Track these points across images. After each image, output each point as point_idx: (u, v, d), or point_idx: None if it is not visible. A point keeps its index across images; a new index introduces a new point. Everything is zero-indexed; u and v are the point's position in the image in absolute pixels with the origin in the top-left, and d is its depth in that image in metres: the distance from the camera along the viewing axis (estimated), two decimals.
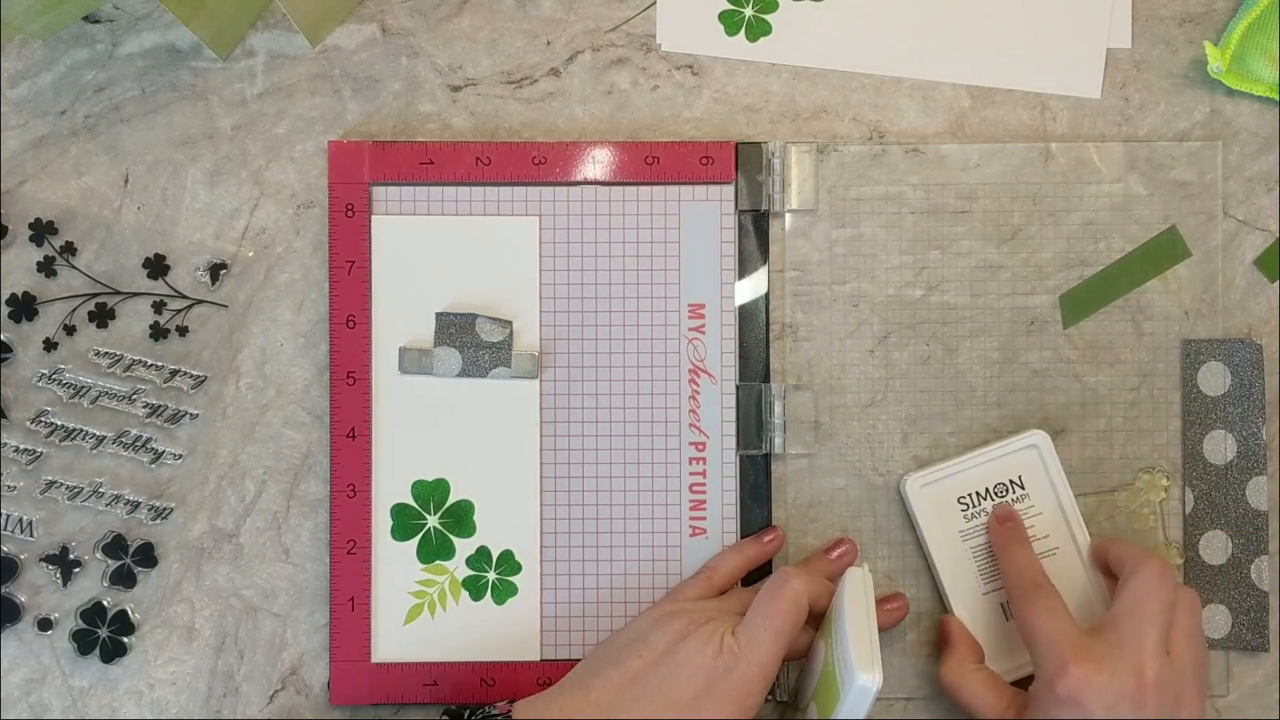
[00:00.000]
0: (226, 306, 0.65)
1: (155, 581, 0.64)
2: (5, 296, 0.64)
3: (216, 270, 0.64)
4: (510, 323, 0.64)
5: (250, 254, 0.65)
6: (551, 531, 0.64)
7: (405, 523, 0.63)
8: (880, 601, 0.62)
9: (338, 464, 0.63)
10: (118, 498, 0.64)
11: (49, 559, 0.63)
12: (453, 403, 0.64)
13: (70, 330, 0.64)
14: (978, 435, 0.64)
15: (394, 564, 0.63)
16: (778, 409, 0.64)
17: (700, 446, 0.64)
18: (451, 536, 0.64)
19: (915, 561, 0.64)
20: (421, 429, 0.64)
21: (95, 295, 0.64)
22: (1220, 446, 0.64)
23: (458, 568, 0.64)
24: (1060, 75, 0.66)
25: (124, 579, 0.64)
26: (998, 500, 0.63)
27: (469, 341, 0.63)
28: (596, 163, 0.64)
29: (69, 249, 0.64)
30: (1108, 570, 0.61)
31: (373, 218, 0.64)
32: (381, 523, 0.63)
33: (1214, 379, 0.64)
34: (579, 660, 0.61)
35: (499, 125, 0.65)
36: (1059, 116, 0.66)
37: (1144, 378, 0.65)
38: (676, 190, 0.64)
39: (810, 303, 0.65)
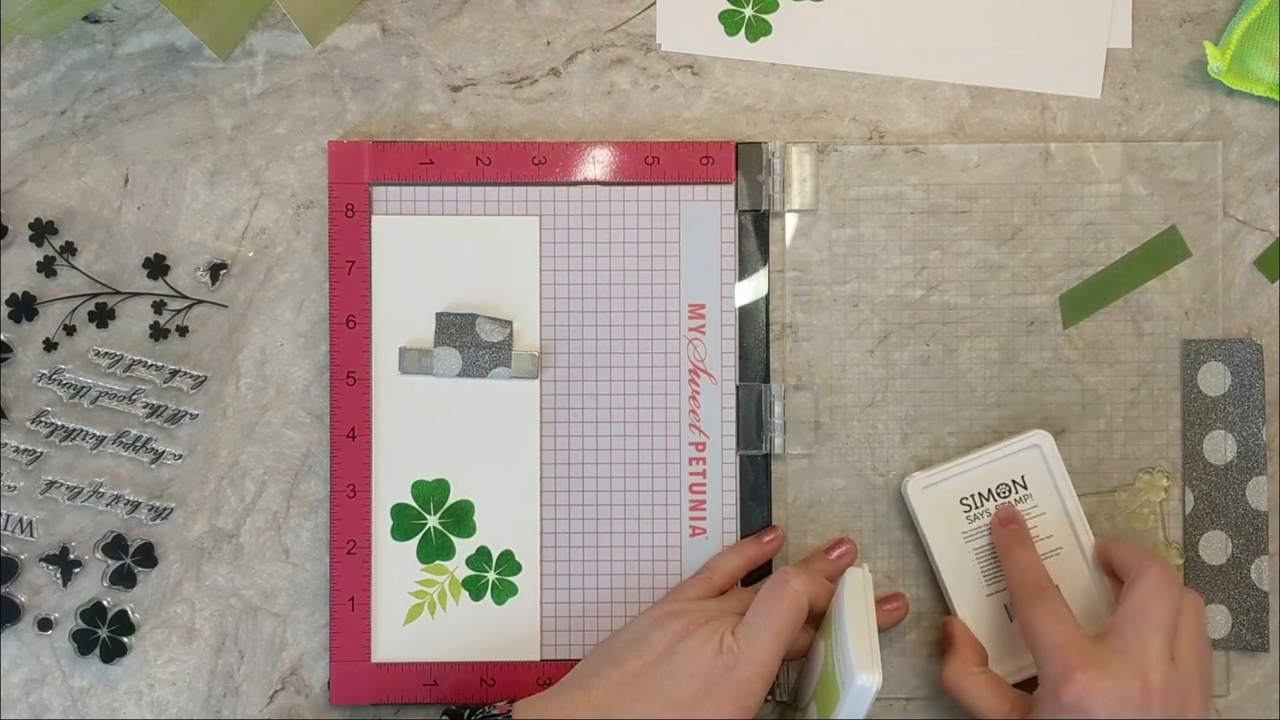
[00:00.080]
0: (226, 306, 0.65)
1: (155, 581, 0.64)
2: (5, 296, 0.64)
3: (216, 270, 0.64)
4: (510, 323, 0.64)
5: (250, 254, 0.65)
6: (551, 531, 0.64)
7: (405, 523, 0.63)
8: (880, 601, 0.62)
9: (338, 464, 0.63)
10: (118, 498, 0.64)
11: (49, 559, 0.63)
12: (453, 403, 0.64)
13: (70, 330, 0.64)
14: (978, 435, 0.64)
15: (394, 564, 0.63)
16: (778, 409, 0.64)
17: (700, 447, 0.64)
18: (451, 536, 0.64)
19: (915, 562, 0.64)
20: (421, 429, 0.64)
21: (95, 295, 0.64)
22: (1220, 447, 0.64)
23: (458, 568, 0.64)
24: (1060, 75, 0.66)
25: (124, 579, 0.64)
26: (1000, 501, 0.63)
27: (469, 341, 0.63)
28: (596, 163, 0.64)
29: (69, 249, 0.64)
30: (1111, 571, 0.61)
31: (373, 218, 0.64)
32: (381, 523, 0.63)
33: (1214, 379, 0.64)
34: (579, 660, 0.61)
35: (499, 125, 0.65)
36: (1059, 116, 0.66)
37: (1144, 378, 0.65)
38: (676, 190, 0.64)
39: (810, 303, 0.65)
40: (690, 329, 0.64)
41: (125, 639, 0.63)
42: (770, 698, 0.63)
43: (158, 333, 0.64)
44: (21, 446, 0.64)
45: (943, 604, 0.64)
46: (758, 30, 0.66)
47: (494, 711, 0.57)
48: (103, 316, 0.64)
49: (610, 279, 0.64)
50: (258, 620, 0.64)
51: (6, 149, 0.65)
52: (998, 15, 0.66)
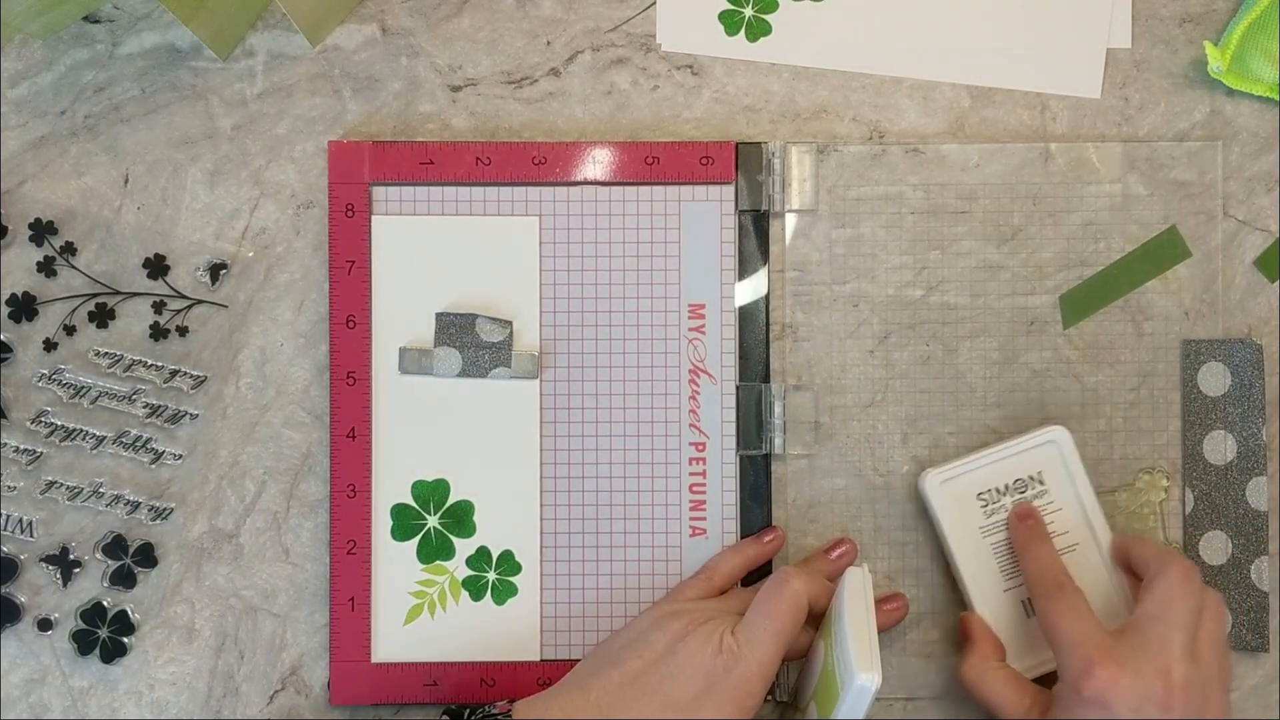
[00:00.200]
0: (226, 306, 0.65)
1: (155, 582, 0.64)
2: (5, 296, 0.64)
3: (216, 270, 0.64)
4: (510, 323, 0.64)
5: (250, 254, 0.65)
6: (551, 531, 0.64)
7: (405, 523, 0.63)
8: (880, 601, 0.62)
9: (338, 464, 0.63)
10: (118, 498, 0.64)
11: (49, 559, 0.63)
12: (453, 403, 0.64)
13: (70, 330, 0.64)
14: (978, 435, 0.64)
15: (394, 564, 0.63)
16: (778, 409, 0.64)
17: (700, 447, 0.64)
18: (451, 536, 0.64)
19: (915, 561, 0.64)
20: (421, 429, 0.64)
21: (95, 295, 0.64)
22: (1220, 447, 0.64)
23: (458, 568, 0.64)
24: (1060, 75, 0.66)
25: (124, 579, 0.64)
26: (1017, 496, 0.63)
27: (469, 341, 0.63)
28: (596, 163, 0.64)
29: (69, 249, 0.64)
30: (1128, 567, 0.61)
31: (373, 218, 0.64)
32: (381, 523, 0.63)
33: (1214, 379, 0.64)
34: (579, 660, 0.61)
35: (499, 125, 0.65)
36: (1059, 116, 0.66)
37: (1144, 378, 0.65)
38: (676, 190, 0.64)
39: (810, 303, 0.65)
40: (690, 329, 0.64)
41: (125, 639, 0.63)
42: (770, 698, 0.63)
43: (158, 333, 0.64)
44: (21, 446, 0.64)
45: (946, 603, 0.64)
46: (758, 30, 0.66)
47: (494, 711, 0.57)
48: (103, 316, 0.64)
49: (610, 279, 0.64)
50: (258, 620, 0.64)
51: (6, 149, 0.65)
52: (998, 15, 0.66)
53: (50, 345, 0.64)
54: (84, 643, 0.63)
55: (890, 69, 0.66)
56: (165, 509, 0.64)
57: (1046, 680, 0.60)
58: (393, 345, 0.64)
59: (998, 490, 0.63)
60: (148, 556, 0.64)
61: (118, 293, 0.64)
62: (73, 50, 0.65)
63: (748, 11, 0.66)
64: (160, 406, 0.64)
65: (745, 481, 0.64)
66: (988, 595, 0.62)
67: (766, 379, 0.64)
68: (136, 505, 0.64)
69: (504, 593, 0.63)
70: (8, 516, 0.64)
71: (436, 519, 0.64)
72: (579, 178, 0.64)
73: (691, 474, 0.64)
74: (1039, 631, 0.59)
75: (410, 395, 0.64)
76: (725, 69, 0.66)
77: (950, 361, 0.65)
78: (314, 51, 0.66)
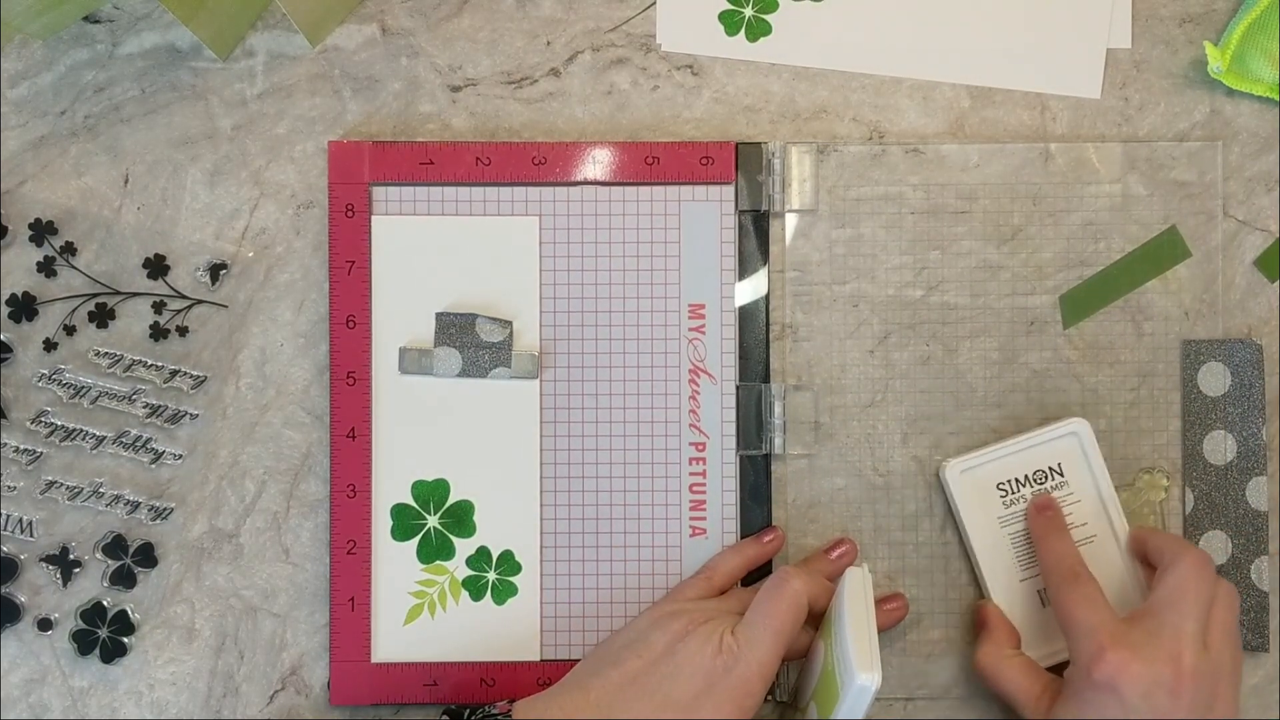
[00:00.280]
0: (226, 307, 0.65)
1: (155, 582, 0.64)
2: (5, 296, 0.64)
3: (216, 270, 0.64)
4: (510, 323, 0.64)
5: (250, 254, 0.65)
6: (551, 531, 0.64)
7: (405, 523, 0.63)
8: (880, 601, 0.62)
9: (338, 464, 0.63)
10: (118, 498, 0.64)
11: (49, 559, 0.63)
12: (453, 403, 0.64)
13: (70, 330, 0.64)
14: (978, 435, 0.64)
15: (394, 564, 0.63)
16: (778, 409, 0.64)
17: (700, 447, 0.64)
18: (451, 536, 0.64)
19: (915, 561, 0.64)
20: (421, 429, 0.64)
21: (95, 295, 0.64)
22: (1220, 447, 0.64)
23: (458, 568, 0.64)
24: (1060, 75, 0.66)
25: (124, 579, 0.64)
26: (1037, 487, 0.63)
27: (469, 341, 0.63)
28: (596, 163, 0.64)
29: (69, 249, 0.64)
30: (1145, 560, 0.61)
31: (373, 218, 0.64)
32: (381, 523, 0.63)
33: (1214, 379, 0.64)
34: (579, 660, 0.61)
35: (499, 125, 0.65)
36: (1059, 117, 0.66)
37: (1144, 378, 0.65)
38: (676, 190, 0.64)
39: (810, 303, 0.65)
40: (690, 329, 0.64)
41: (125, 639, 0.63)
42: (770, 698, 0.63)
43: (158, 333, 0.64)
44: (21, 446, 0.64)
45: (946, 602, 0.64)
46: (758, 30, 0.66)
47: (494, 711, 0.57)
48: (103, 316, 0.64)
49: (610, 279, 0.64)
50: (258, 620, 0.64)
51: (6, 149, 0.65)
52: (998, 15, 0.66)
53: (50, 345, 0.64)
54: (84, 643, 0.63)
55: (890, 69, 0.66)
56: (165, 509, 0.64)
57: (1061, 670, 0.60)
58: (393, 345, 0.64)
59: (1017, 481, 0.63)
60: (148, 556, 0.64)
61: (118, 293, 0.64)
62: (73, 50, 0.65)
63: (748, 11, 0.66)
64: (160, 406, 0.64)
65: (745, 481, 0.64)
66: (1004, 584, 0.63)
67: (766, 379, 0.64)
68: (136, 505, 0.64)
69: (504, 593, 0.63)
70: (8, 516, 0.64)
71: (436, 519, 0.64)
72: (579, 178, 0.64)
73: (691, 474, 0.64)
74: (1054, 621, 0.60)
75: (410, 395, 0.64)
76: (725, 69, 0.66)
77: (950, 361, 0.65)
78: (314, 51, 0.66)
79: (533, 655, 0.63)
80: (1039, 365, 0.65)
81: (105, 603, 0.64)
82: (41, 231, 0.64)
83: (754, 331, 0.64)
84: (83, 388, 0.64)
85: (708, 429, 0.64)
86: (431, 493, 0.64)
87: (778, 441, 0.64)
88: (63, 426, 0.64)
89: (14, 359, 0.64)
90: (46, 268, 0.64)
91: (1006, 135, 0.66)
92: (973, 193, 0.65)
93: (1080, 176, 0.65)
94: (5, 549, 0.64)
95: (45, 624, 0.63)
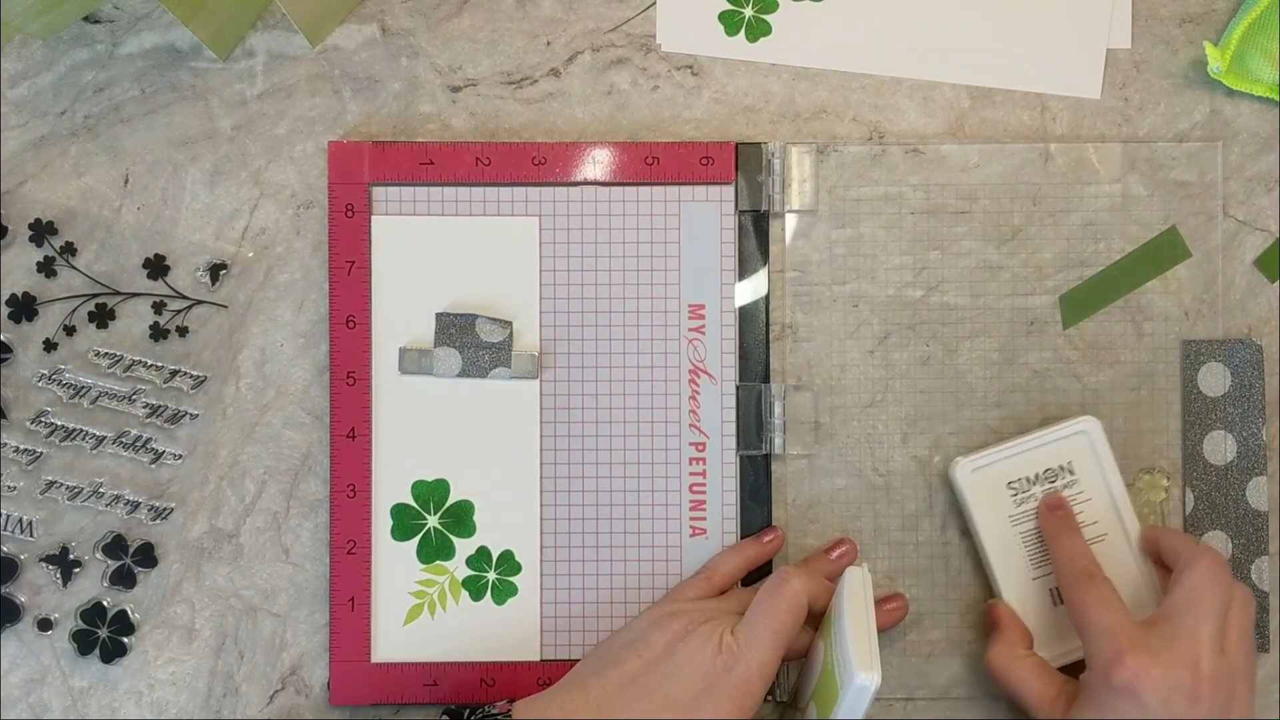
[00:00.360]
0: (226, 307, 0.65)
1: (155, 582, 0.64)
2: (5, 296, 0.64)
3: (216, 270, 0.64)
4: (510, 323, 0.64)
5: (250, 254, 0.65)
6: (551, 531, 0.64)
7: (405, 523, 0.63)
8: (880, 601, 0.62)
9: (338, 464, 0.63)
10: (118, 498, 0.64)
11: (49, 559, 0.63)
12: (453, 403, 0.64)
13: (70, 330, 0.64)
14: (978, 435, 0.64)
15: (394, 564, 0.63)
16: (778, 409, 0.64)
17: (700, 447, 0.64)
18: (451, 536, 0.64)
19: (915, 561, 0.64)
20: (421, 429, 0.64)
21: (95, 295, 0.64)
22: (1220, 447, 0.64)
23: (458, 568, 0.64)
24: (1060, 75, 0.66)
25: (124, 579, 0.64)
26: (1047, 485, 0.63)
27: (469, 342, 0.63)
28: (596, 163, 0.64)
29: (69, 249, 0.64)
30: (1157, 558, 0.61)
31: (373, 218, 0.64)
32: (381, 523, 0.63)
33: (1214, 379, 0.64)
34: (579, 660, 0.61)
35: (499, 125, 0.65)
36: (1059, 117, 0.66)
37: (1144, 378, 0.65)
38: (676, 190, 0.64)
39: (810, 303, 0.65)
40: (690, 329, 0.64)
41: (125, 639, 0.63)
42: (770, 698, 0.63)
43: (158, 333, 0.64)
44: (21, 446, 0.64)
45: (946, 602, 0.64)
46: (758, 30, 0.66)
47: (494, 711, 0.57)
48: (103, 317, 0.64)
49: (610, 279, 0.64)
50: (258, 620, 0.64)
51: (6, 149, 0.65)
52: (998, 15, 0.66)
53: (50, 345, 0.64)
54: (84, 643, 0.63)
55: (890, 69, 0.66)
56: (165, 509, 0.64)
57: (1072, 669, 0.60)
58: (393, 345, 0.64)
59: (1028, 479, 0.63)
60: (148, 556, 0.64)
61: (118, 293, 0.64)
62: (73, 50, 0.65)
63: (748, 12, 0.66)
64: (160, 406, 0.64)
65: (745, 481, 0.64)
66: (1016, 583, 0.62)
67: (766, 379, 0.64)
68: (136, 505, 0.64)
69: (504, 593, 0.63)
70: (8, 516, 0.64)
71: (436, 519, 0.64)
72: (579, 178, 0.64)
73: (691, 474, 0.64)
74: (1066, 620, 0.60)
75: (410, 395, 0.64)
76: (725, 69, 0.66)
77: (950, 361, 0.65)
78: (314, 52, 0.66)
79: (533, 655, 0.63)
80: (1039, 365, 0.65)
81: (105, 603, 0.64)
82: (41, 231, 0.64)
83: (754, 332, 0.64)
84: (83, 388, 0.64)
85: (708, 429, 0.64)
86: (431, 493, 0.64)
87: (778, 441, 0.64)
88: (63, 426, 0.64)
89: (14, 359, 0.64)
90: (46, 268, 0.64)
91: (1006, 135, 0.66)
92: (973, 193, 0.65)
93: (1080, 177, 0.65)
94: (5, 549, 0.64)
95: (45, 624, 0.63)
